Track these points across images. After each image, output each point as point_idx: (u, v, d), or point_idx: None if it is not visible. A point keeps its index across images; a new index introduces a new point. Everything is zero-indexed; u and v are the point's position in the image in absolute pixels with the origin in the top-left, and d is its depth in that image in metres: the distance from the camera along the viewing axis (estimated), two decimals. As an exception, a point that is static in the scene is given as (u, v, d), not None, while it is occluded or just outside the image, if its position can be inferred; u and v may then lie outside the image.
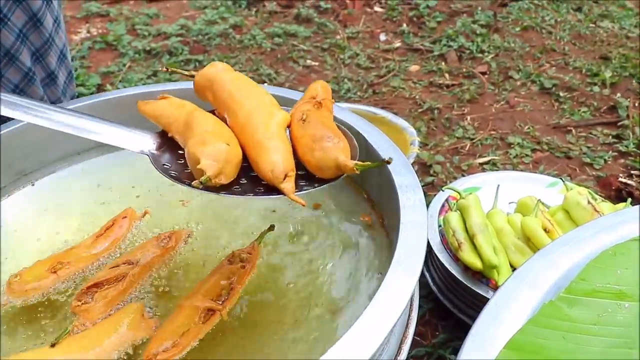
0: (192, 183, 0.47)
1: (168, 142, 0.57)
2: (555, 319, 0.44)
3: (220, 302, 0.55)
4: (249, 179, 0.52)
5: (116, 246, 0.65)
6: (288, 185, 0.48)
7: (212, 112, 0.58)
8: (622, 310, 0.45)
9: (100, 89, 1.87)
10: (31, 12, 0.84)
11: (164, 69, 0.63)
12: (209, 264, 0.62)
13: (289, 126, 0.55)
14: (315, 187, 0.51)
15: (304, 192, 0.50)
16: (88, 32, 2.33)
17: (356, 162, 0.49)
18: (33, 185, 0.74)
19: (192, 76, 0.60)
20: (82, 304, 0.55)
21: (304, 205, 0.48)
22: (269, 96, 0.56)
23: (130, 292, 0.59)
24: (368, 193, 0.69)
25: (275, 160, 0.49)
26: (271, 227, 0.64)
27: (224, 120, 0.56)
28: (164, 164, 0.54)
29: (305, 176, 0.52)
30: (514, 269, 0.88)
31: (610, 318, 0.44)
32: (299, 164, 0.52)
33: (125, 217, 0.67)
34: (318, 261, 0.63)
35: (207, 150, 0.49)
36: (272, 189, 0.50)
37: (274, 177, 0.49)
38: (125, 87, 1.81)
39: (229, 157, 0.50)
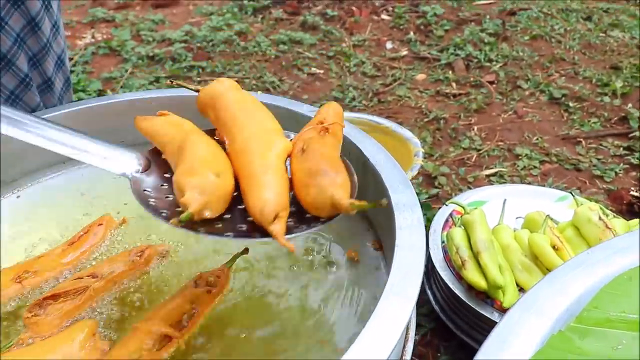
0: (171, 221, 0.43)
1: (158, 162, 0.53)
2: (566, 352, 0.40)
3: (180, 329, 0.51)
4: (236, 213, 0.47)
5: (88, 255, 0.61)
6: (277, 228, 0.43)
7: (214, 132, 0.54)
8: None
9: (101, 94, 1.85)
10: (29, 16, 0.82)
11: (169, 82, 0.59)
12: (182, 284, 0.58)
13: (291, 156, 0.50)
14: (309, 228, 0.46)
15: (295, 235, 0.45)
16: (93, 37, 2.32)
17: (352, 201, 0.44)
18: (18, 197, 0.71)
19: (198, 91, 0.55)
20: (33, 315, 0.52)
21: (293, 252, 0.43)
22: (273, 122, 0.52)
23: (87, 308, 0.55)
24: (364, 212, 0.65)
25: (267, 198, 0.44)
26: (245, 251, 0.59)
27: (222, 143, 0.51)
28: (145, 190, 0.50)
29: (297, 213, 0.46)
30: (520, 288, 0.84)
31: (626, 351, 0.41)
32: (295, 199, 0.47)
33: (101, 224, 0.64)
34: (305, 287, 0.58)
35: (194, 181, 0.45)
36: (257, 228, 0.45)
37: (263, 219, 0.44)
38: (125, 92, 1.79)
39: (218, 191, 0.45)
